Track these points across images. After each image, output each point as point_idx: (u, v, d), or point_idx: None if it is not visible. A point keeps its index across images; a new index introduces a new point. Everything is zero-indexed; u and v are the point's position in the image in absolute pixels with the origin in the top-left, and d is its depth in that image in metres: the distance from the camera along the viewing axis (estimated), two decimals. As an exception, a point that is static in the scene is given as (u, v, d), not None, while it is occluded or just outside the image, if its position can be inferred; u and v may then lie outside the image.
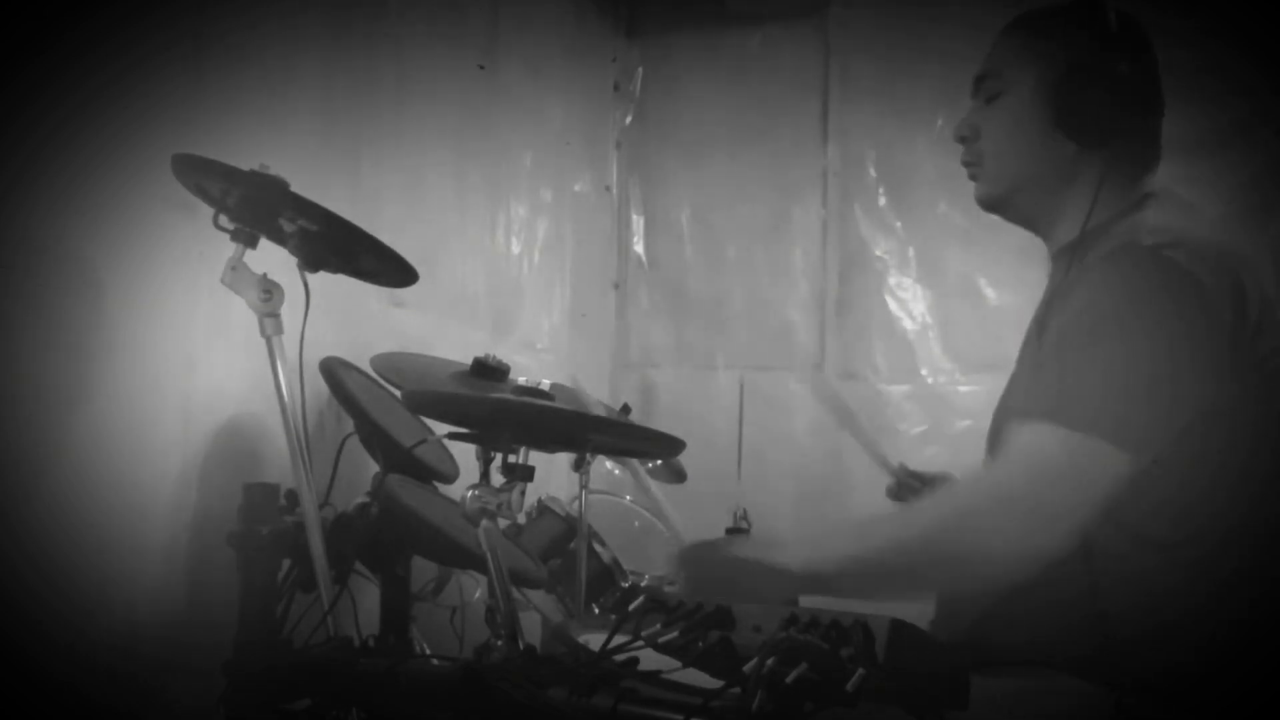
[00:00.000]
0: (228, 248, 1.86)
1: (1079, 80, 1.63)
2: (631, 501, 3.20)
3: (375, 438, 2.20)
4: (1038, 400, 1.48)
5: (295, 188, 1.79)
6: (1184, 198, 1.68)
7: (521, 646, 1.74)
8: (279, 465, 2.12)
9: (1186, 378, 1.45)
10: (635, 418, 2.65)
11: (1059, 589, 1.47)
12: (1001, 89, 1.72)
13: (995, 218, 1.79)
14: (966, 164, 1.78)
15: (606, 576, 2.65)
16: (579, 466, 2.57)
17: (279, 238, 1.88)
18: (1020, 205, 1.75)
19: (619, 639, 1.22)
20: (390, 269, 1.95)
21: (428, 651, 2.34)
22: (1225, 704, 1.46)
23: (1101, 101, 1.62)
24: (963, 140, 1.77)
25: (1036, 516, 1.41)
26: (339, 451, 2.21)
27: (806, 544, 1.50)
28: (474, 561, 2.08)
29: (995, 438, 1.75)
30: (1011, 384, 1.77)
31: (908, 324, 3.79)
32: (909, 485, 2.17)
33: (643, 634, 1.21)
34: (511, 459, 1.80)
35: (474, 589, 2.48)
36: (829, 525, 1.56)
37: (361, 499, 2.11)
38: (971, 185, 1.78)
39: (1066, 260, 1.66)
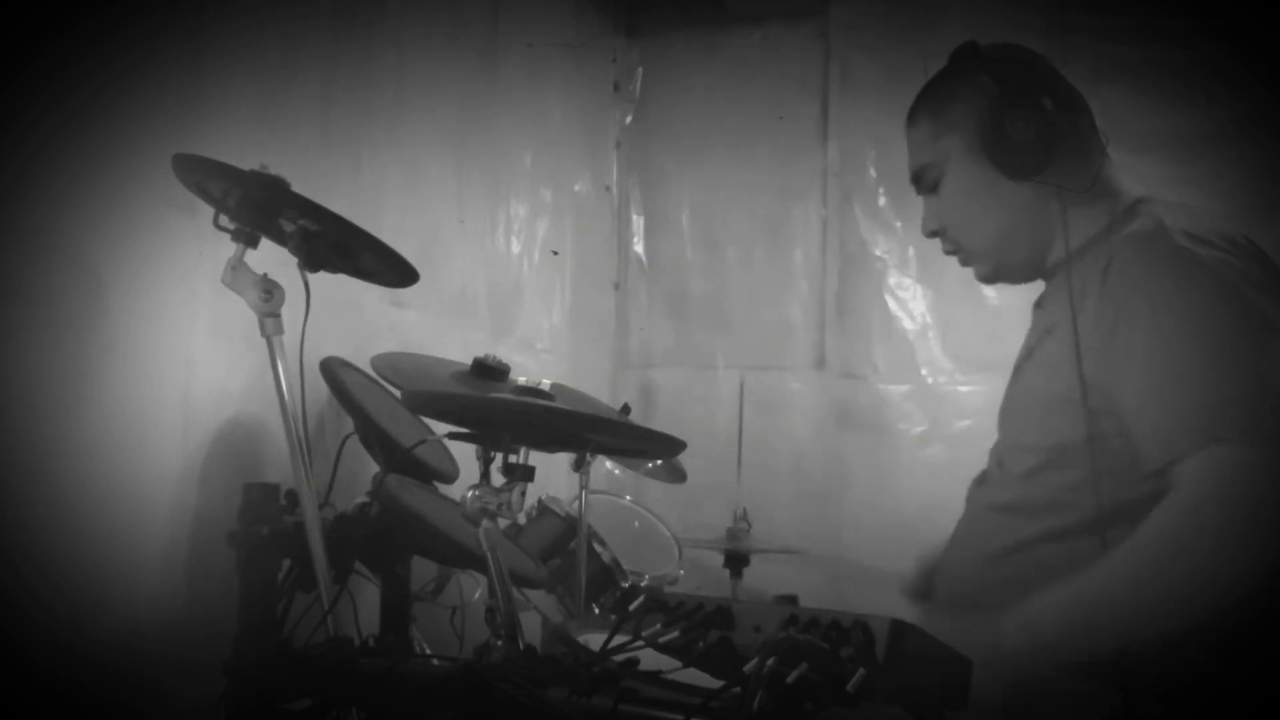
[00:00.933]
0: (228, 248, 1.86)
1: (998, 123, 1.65)
2: (631, 501, 3.20)
3: (375, 438, 2.20)
4: (1198, 428, 1.44)
5: (295, 188, 1.79)
6: (1172, 200, 1.69)
7: (521, 646, 1.74)
8: (279, 465, 2.12)
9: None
10: (635, 418, 2.64)
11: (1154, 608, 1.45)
12: (939, 172, 1.75)
13: None
14: (951, 254, 1.80)
15: (606, 576, 2.65)
16: (579, 466, 2.57)
17: (279, 238, 1.88)
18: (1014, 263, 1.78)
19: (619, 639, 1.22)
20: (390, 269, 1.95)
21: (428, 651, 2.34)
22: (1228, 704, 1.46)
23: (1025, 131, 1.64)
24: (934, 234, 1.79)
25: (1247, 532, 1.38)
26: (339, 451, 2.21)
27: (1018, 622, 1.46)
28: (474, 561, 2.08)
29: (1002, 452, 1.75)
30: (1007, 411, 1.76)
31: (908, 324, 3.78)
32: None
33: (643, 634, 1.21)
34: (511, 459, 1.80)
35: (474, 589, 2.48)
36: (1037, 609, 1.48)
37: (361, 499, 2.11)
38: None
39: (1061, 282, 1.66)
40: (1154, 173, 3.11)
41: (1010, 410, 1.77)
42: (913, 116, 1.80)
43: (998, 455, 1.76)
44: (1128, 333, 1.51)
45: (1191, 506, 1.42)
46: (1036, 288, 1.82)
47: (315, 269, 1.90)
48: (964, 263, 1.80)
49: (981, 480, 1.79)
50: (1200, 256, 1.51)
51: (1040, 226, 1.71)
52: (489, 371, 2.28)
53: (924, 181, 1.78)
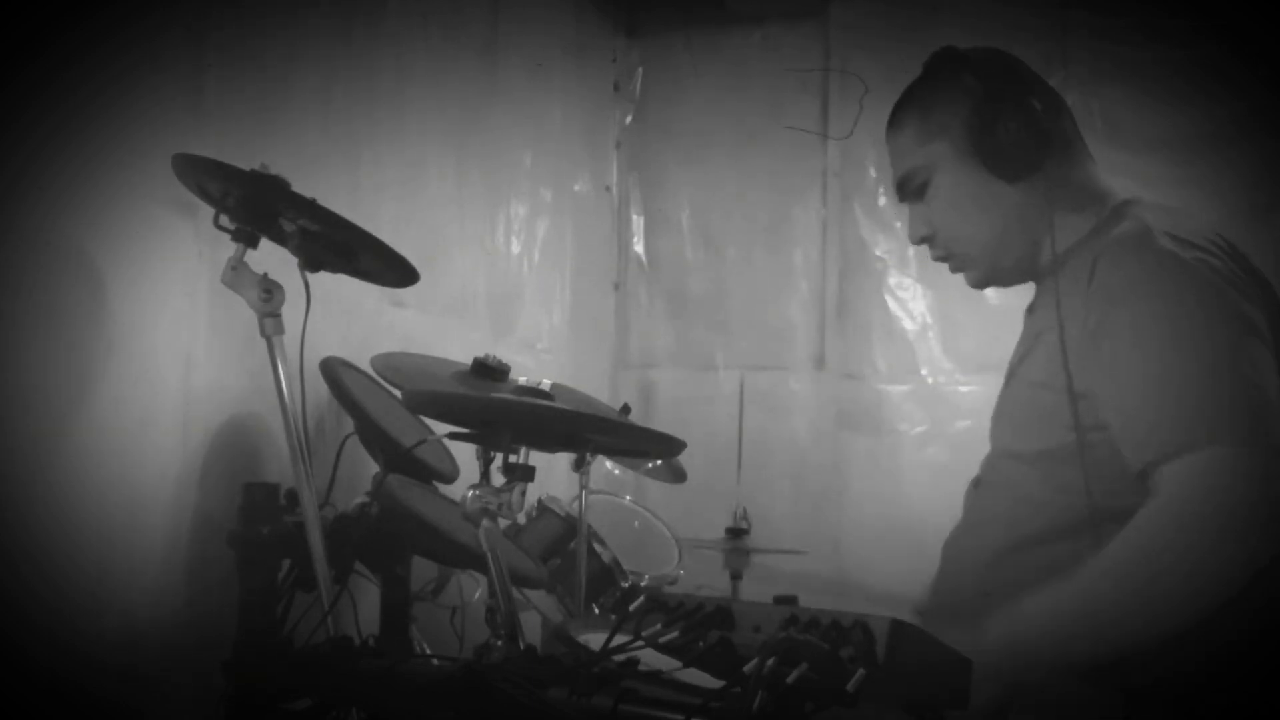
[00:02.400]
0: (228, 248, 1.86)
1: (986, 124, 1.64)
2: (631, 501, 3.20)
3: (375, 438, 2.20)
4: (1177, 433, 1.43)
5: (295, 188, 1.79)
6: (1158, 201, 1.69)
7: (521, 646, 1.74)
8: (279, 465, 2.12)
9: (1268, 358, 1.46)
10: (635, 418, 2.64)
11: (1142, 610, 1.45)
12: (926, 176, 1.73)
13: None
14: (941, 260, 1.79)
15: (606, 576, 2.65)
16: (579, 466, 2.57)
17: (279, 237, 1.88)
18: (1005, 266, 1.76)
19: (619, 639, 1.22)
20: (390, 269, 1.95)
21: (428, 651, 2.34)
22: (1228, 707, 1.46)
23: (1015, 130, 1.63)
24: (924, 240, 1.78)
25: (1228, 536, 1.37)
26: (339, 451, 2.21)
27: (999, 625, 1.46)
28: (474, 561, 2.08)
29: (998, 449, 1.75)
30: (1000, 418, 1.76)
31: (908, 324, 3.79)
32: None
33: (643, 634, 1.21)
34: (511, 459, 1.80)
35: (474, 589, 2.48)
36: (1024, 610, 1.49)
37: (361, 499, 2.11)
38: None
39: (1050, 286, 1.66)
40: (1154, 173, 3.11)
41: (1002, 416, 1.77)
42: (895, 122, 1.78)
43: (991, 462, 1.76)
44: (1111, 335, 1.51)
45: (1171, 512, 1.41)
46: (1034, 289, 1.82)
47: (315, 269, 1.90)
48: (955, 269, 1.79)
49: (976, 484, 1.79)
50: (1183, 259, 1.50)
51: (1031, 229, 1.70)
52: (489, 371, 2.28)
53: (909, 188, 1.77)
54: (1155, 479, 1.43)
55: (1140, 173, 2.81)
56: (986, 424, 1.82)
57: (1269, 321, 1.50)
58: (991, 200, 1.69)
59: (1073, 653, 1.44)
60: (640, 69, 4.19)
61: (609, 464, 3.58)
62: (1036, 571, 1.51)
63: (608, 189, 4.15)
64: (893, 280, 3.81)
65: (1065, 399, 1.55)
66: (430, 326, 2.88)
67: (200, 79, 2.17)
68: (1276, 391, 1.44)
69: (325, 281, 1.93)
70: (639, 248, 4.19)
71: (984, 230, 1.73)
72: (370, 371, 2.29)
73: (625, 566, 2.69)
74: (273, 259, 1.88)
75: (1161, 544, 1.40)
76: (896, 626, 1.10)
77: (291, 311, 1.87)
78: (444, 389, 2.17)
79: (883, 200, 3.84)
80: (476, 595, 2.47)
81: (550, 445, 1.97)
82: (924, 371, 3.75)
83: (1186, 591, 1.38)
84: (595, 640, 1.36)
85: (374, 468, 2.23)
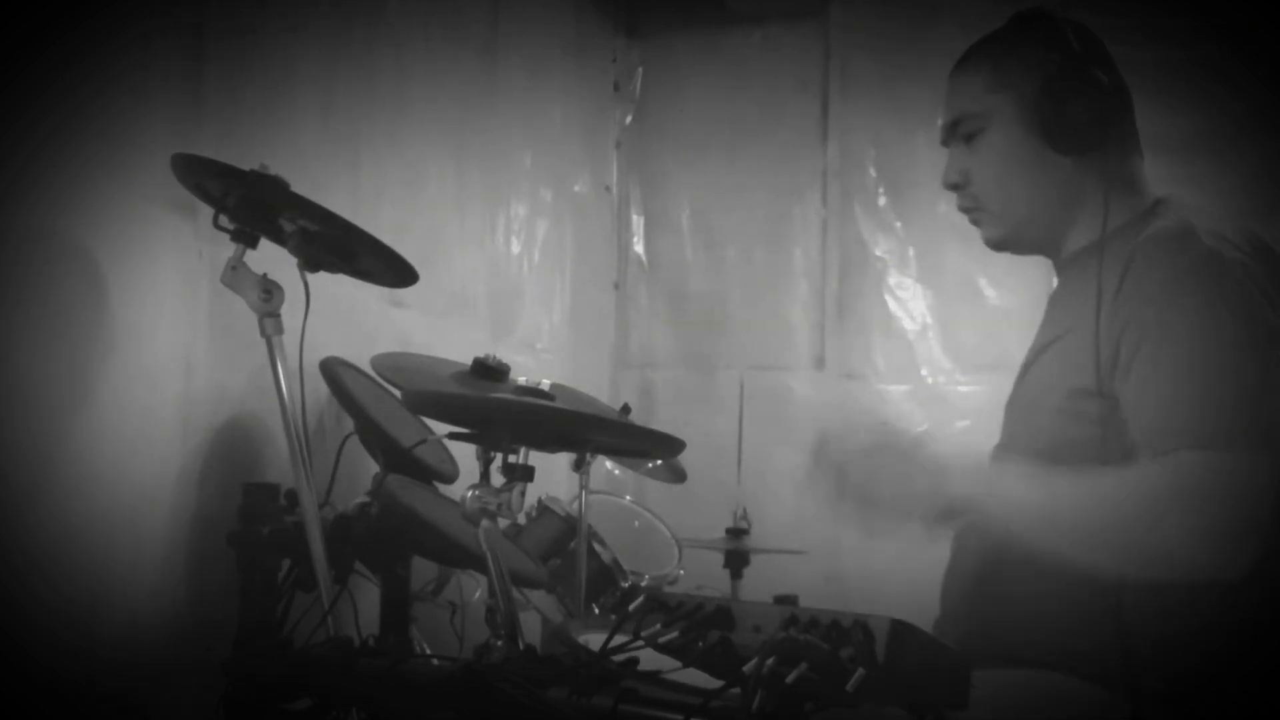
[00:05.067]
0: (228, 248, 1.86)
1: (1059, 92, 1.62)
2: (631, 501, 3.20)
3: (375, 438, 2.20)
4: (1167, 432, 1.43)
5: (295, 188, 1.79)
6: (1190, 200, 1.68)
7: (521, 646, 1.74)
8: (279, 465, 2.12)
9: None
10: (635, 418, 2.64)
11: (1082, 602, 1.46)
12: (981, 125, 1.70)
13: None
14: (966, 210, 1.75)
15: (606, 576, 2.65)
16: (579, 466, 2.57)
17: (279, 238, 1.88)
18: (1031, 236, 1.74)
19: (619, 639, 1.22)
20: (390, 269, 1.95)
21: (428, 651, 2.34)
22: (1230, 707, 1.46)
23: (1085, 107, 1.61)
24: (955, 188, 1.74)
25: (1212, 537, 1.36)
26: (339, 451, 2.21)
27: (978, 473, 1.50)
28: (474, 561, 2.08)
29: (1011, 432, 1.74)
30: (1014, 408, 1.75)
31: (908, 324, 3.79)
32: None
33: (643, 634, 1.21)
34: (511, 459, 1.79)
35: (474, 589, 2.48)
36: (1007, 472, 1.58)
37: (361, 499, 2.11)
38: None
39: (1086, 263, 1.63)
40: (1154, 173, 3.10)
41: (1018, 406, 1.75)
42: (966, 64, 1.74)
43: (1005, 453, 1.72)
44: (1141, 330, 1.49)
45: (1156, 483, 1.40)
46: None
47: (315, 269, 1.90)
48: (976, 221, 1.76)
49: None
50: (1226, 259, 1.48)
51: (1070, 205, 1.68)
52: (489, 371, 2.28)
53: (959, 131, 1.73)
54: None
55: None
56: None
57: None
58: (1040, 167, 1.67)
59: (1063, 560, 1.43)
60: (640, 69, 4.19)
61: (609, 464, 3.58)
62: None
63: (608, 189, 4.15)
64: (893, 280, 3.81)
65: (1093, 389, 1.53)
66: (430, 326, 2.88)
67: (200, 79, 2.17)
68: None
69: (325, 281, 1.93)
70: (639, 248, 4.19)
71: (1023, 194, 1.70)
72: (370, 371, 2.29)
73: (625, 566, 2.69)
74: (273, 259, 1.88)
75: (1161, 507, 1.39)
76: (896, 626, 1.10)
77: (291, 311, 1.87)
78: (444, 389, 2.17)
79: (883, 200, 3.84)
80: (476, 595, 2.47)
81: (550, 445, 1.97)
82: (924, 371, 3.75)
83: (1185, 557, 1.36)
84: (595, 640, 1.36)
85: (374, 468, 2.23)
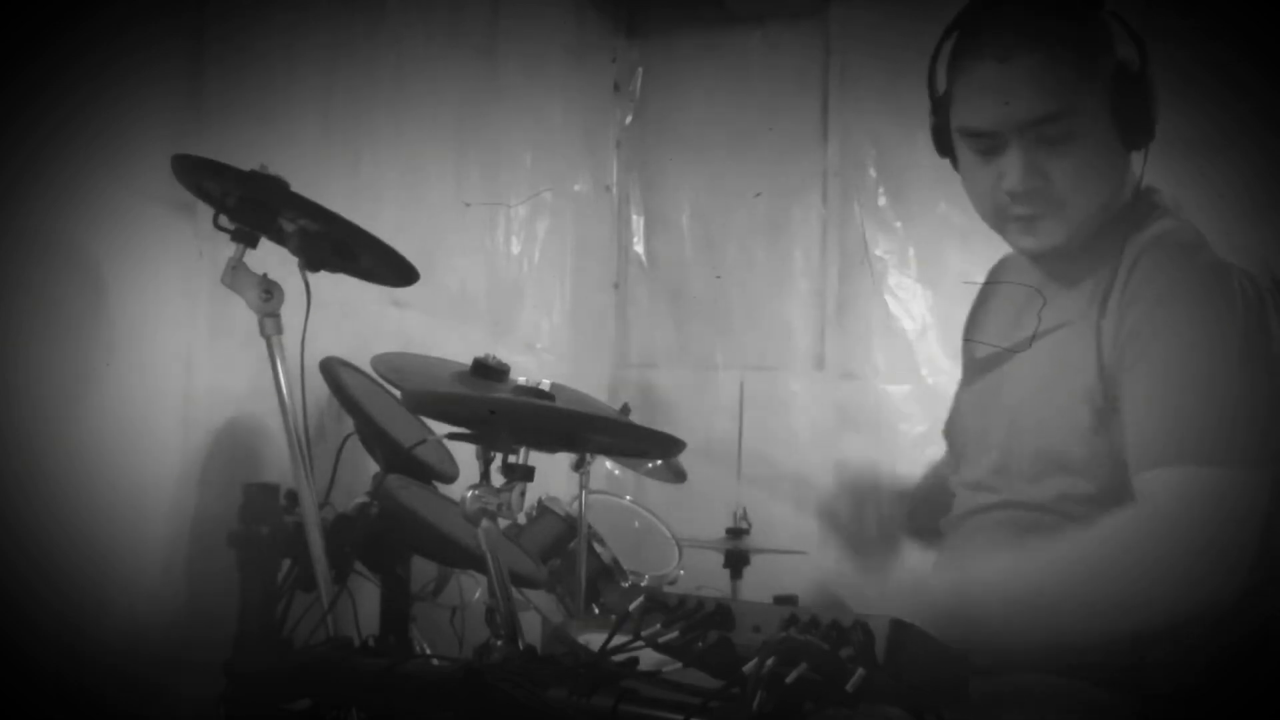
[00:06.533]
0: (228, 248, 1.86)
1: (1131, 89, 1.53)
2: (631, 501, 3.20)
3: (375, 438, 2.20)
4: (1165, 446, 1.40)
5: (295, 188, 1.79)
6: (1181, 198, 1.66)
7: (521, 646, 1.74)
8: (279, 465, 2.12)
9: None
10: (635, 418, 2.64)
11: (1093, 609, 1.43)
12: (1074, 127, 1.52)
13: None
14: (1026, 218, 1.58)
15: (606, 576, 2.65)
16: (579, 466, 2.57)
17: (279, 238, 1.88)
18: (1084, 238, 1.59)
19: (619, 639, 1.22)
20: (390, 269, 1.95)
21: (428, 651, 2.34)
22: (1232, 707, 1.45)
23: (1150, 102, 1.54)
24: (1025, 194, 1.55)
25: (1205, 558, 1.34)
26: (339, 451, 2.21)
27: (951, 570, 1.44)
28: (474, 561, 2.08)
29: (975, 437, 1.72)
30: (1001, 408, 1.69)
31: (907, 324, 3.78)
32: None
33: (643, 634, 1.21)
34: (511, 459, 1.79)
35: (474, 589, 2.48)
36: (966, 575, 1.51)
37: (361, 499, 2.12)
38: None
39: (1077, 256, 1.60)
40: (1154, 173, 3.11)
41: (995, 404, 1.69)
42: (1038, 43, 1.53)
43: (1000, 458, 1.66)
44: (1148, 337, 1.46)
45: (1155, 521, 1.38)
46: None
47: (315, 269, 1.90)
48: (1027, 230, 1.59)
49: (977, 487, 1.70)
50: (1234, 273, 1.45)
51: (1119, 201, 1.59)
52: (489, 371, 2.28)
53: (1048, 133, 1.52)
54: (1146, 482, 1.41)
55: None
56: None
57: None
58: (1111, 168, 1.57)
59: (1022, 636, 1.39)
60: (640, 69, 4.19)
61: (609, 464, 3.58)
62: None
63: (608, 189, 4.15)
64: (893, 280, 3.81)
65: (1096, 393, 1.50)
66: (430, 326, 2.88)
67: (200, 79, 2.17)
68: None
69: (325, 281, 1.93)
70: (639, 248, 4.18)
71: (1095, 199, 1.57)
72: (370, 371, 2.29)
73: (625, 566, 2.69)
74: (273, 259, 1.88)
75: (1135, 547, 1.36)
76: (897, 626, 1.10)
77: (291, 311, 1.87)
78: (444, 389, 2.17)
79: (883, 200, 3.84)
80: (476, 595, 2.47)
81: (550, 445, 1.97)
82: (924, 371, 3.74)
83: (1151, 596, 1.35)
84: (595, 640, 1.36)
85: (374, 468, 2.23)
